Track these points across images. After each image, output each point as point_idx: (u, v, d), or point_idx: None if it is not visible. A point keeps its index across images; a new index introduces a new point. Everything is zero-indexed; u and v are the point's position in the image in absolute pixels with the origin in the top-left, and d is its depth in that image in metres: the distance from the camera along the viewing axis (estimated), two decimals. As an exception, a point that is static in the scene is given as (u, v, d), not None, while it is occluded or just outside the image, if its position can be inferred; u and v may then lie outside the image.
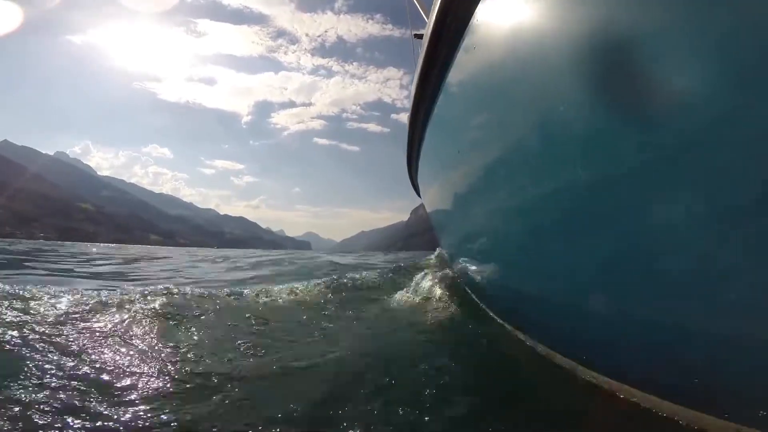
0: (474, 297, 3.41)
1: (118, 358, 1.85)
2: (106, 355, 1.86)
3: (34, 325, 2.11)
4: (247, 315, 2.85)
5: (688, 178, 1.08)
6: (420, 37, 4.53)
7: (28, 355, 1.74)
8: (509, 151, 1.79)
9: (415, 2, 5.03)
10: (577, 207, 1.46)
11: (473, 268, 3.02)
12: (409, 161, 4.40)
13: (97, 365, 1.73)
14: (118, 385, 1.57)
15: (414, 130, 3.50)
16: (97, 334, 2.12)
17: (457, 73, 2.22)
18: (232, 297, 3.49)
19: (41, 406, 1.32)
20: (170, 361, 1.86)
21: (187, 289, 3.39)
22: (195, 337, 2.28)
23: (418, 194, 5.18)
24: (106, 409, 1.37)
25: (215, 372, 1.76)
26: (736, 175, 0.99)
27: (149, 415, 1.35)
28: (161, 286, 3.29)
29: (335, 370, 1.89)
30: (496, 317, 2.81)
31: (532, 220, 1.78)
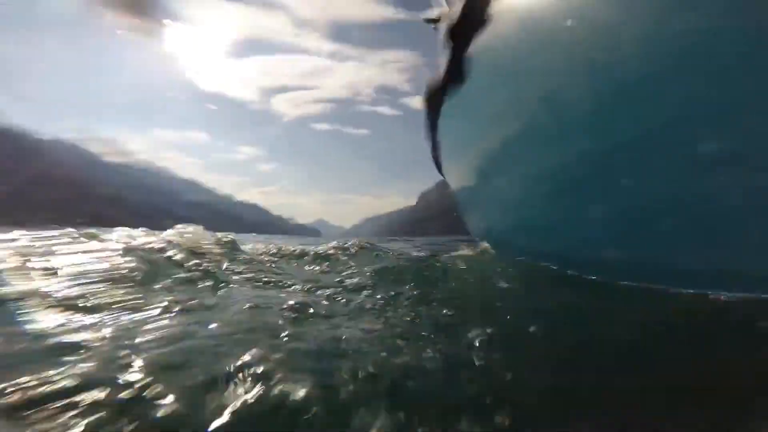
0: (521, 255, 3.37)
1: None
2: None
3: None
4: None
5: (690, 147, 1.34)
6: (431, 21, 4.66)
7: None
8: (537, 120, 1.99)
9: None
10: (594, 176, 1.75)
11: (516, 228, 3.08)
12: (433, 138, 4.42)
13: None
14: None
15: (435, 106, 3.59)
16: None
17: (479, 53, 2.38)
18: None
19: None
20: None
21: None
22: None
23: (440, 172, 5.05)
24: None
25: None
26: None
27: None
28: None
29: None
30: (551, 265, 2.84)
31: (563, 181, 2.03)
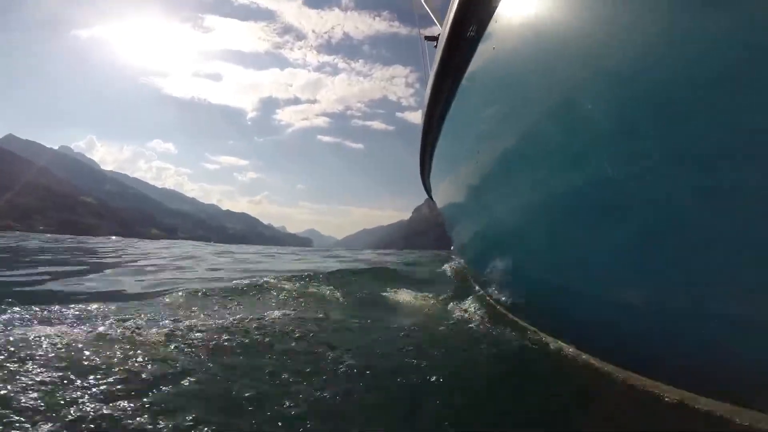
0: (490, 296, 3.40)
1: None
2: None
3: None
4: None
5: (705, 173, 1.11)
6: (431, 39, 4.69)
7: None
8: (528, 149, 1.80)
9: (424, 3, 5.12)
10: (601, 203, 1.46)
11: (492, 266, 3.01)
12: (422, 161, 4.42)
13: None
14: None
15: (428, 130, 3.47)
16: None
17: (475, 74, 2.21)
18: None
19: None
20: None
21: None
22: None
23: (429, 195, 5.23)
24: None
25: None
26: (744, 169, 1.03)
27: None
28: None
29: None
30: (515, 317, 2.75)
31: (553, 218, 1.78)
